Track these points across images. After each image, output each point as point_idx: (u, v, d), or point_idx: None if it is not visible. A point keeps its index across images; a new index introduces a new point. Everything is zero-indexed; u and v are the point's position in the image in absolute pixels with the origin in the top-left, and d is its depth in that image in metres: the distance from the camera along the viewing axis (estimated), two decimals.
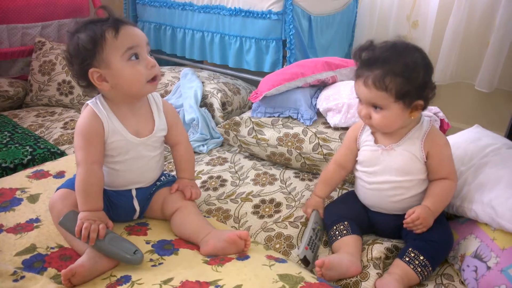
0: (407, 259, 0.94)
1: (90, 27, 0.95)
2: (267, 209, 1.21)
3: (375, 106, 0.98)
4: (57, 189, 1.05)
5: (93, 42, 0.93)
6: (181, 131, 1.14)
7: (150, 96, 1.08)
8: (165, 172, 1.18)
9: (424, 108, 0.98)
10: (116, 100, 1.01)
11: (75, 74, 0.99)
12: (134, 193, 1.07)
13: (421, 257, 0.93)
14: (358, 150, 1.10)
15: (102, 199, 0.98)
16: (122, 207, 1.06)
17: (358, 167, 1.10)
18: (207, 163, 1.46)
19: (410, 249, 0.95)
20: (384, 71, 0.93)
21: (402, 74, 0.93)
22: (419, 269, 0.92)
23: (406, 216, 0.98)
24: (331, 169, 1.16)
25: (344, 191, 1.28)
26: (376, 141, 1.05)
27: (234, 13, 1.85)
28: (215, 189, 1.31)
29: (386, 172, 1.03)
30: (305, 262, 1.00)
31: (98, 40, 0.93)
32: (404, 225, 0.98)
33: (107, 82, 0.97)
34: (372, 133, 1.07)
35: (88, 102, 1.02)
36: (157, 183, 1.12)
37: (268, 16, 1.75)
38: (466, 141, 1.17)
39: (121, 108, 1.02)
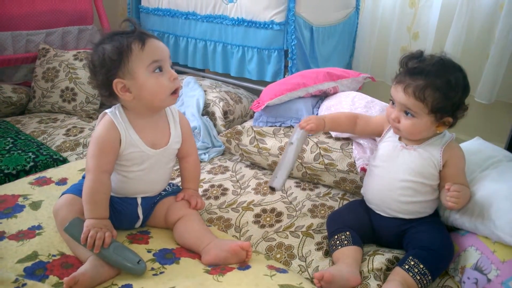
0: (406, 266, 0.95)
1: (116, 38, 0.97)
2: (268, 219, 1.21)
3: (406, 112, 1.02)
4: (62, 194, 1.06)
5: (119, 53, 0.95)
6: (192, 144, 1.16)
7: (168, 108, 1.10)
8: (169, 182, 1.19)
9: (451, 125, 1.03)
10: (136, 111, 1.02)
11: (98, 84, 1.00)
12: (139, 201, 1.08)
13: (421, 266, 0.94)
14: (380, 136, 1.15)
15: (108, 207, 0.99)
16: (125, 214, 1.07)
17: (374, 162, 1.13)
18: (209, 172, 1.47)
19: (410, 257, 0.96)
20: (426, 83, 0.98)
21: (442, 90, 0.98)
22: (418, 277, 0.93)
23: (447, 187, 0.97)
24: (348, 113, 1.23)
25: (345, 202, 1.29)
26: (400, 139, 1.10)
27: (236, 23, 1.87)
28: (216, 197, 1.31)
29: (402, 170, 1.05)
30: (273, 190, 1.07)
31: (124, 51, 0.95)
32: (446, 187, 0.98)
33: (130, 93, 0.98)
34: None
35: (107, 111, 1.02)
36: (162, 192, 1.13)
37: (270, 26, 1.77)
38: (467, 153, 1.17)
39: (139, 119, 1.03)
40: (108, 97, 1.01)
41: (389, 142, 1.11)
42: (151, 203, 1.10)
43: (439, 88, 0.98)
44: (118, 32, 0.99)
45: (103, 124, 1.00)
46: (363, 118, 1.22)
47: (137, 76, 0.96)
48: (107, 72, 0.96)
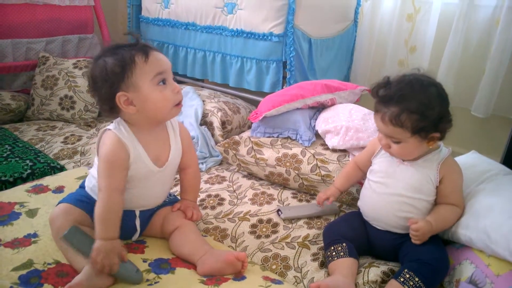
0: (402, 279, 0.95)
1: (118, 51, 0.96)
2: (264, 229, 1.21)
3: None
4: (59, 202, 1.05)
5: (122, 66, 0.94)
6: (193, 155, 1.15)
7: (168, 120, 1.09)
8: None
9: (440, 138, 1.03)
10: (138, 124, 1.01)
11: (101, 97, 0.98)
12: (137, 213, 1.07)
13: (416, 279, 0.94)
14: (372, 159, 1.16)
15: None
16: (123, 226, 1.05)
17: (371, 176, 1.13)
18: (206, 181, 1.47)
19: (405, 270, 0.96)
20: (400, 109, 0.98)
21: (417, 111, 0.97)
22: None
23: (409, 223, 1.01)
24: (350, 166, 1.24)
25: (342, 213, 1.29)
26: None
27: (236, 34, 1.89)
28: (213, 207, 1.31)
29: (400, 186, 1.05)
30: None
31: (128, 64, 0.94)
32: (409, 223, 1.02)
33: (134, 106, 0.97)
34: None
35: (109, 127, 1.01)
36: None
37: (269, 38, 1.79)
38: (463, 167, 1.18)
39: (142, 133, 1.01)
40: (109, 111, 1.00)
41: (384, 158, 1.12)
42: (148, 214, 1.10)
43: (413, 111, 0.97)
44: (120, 45, 0.98)
45: (110, 141, 0.98)
46: (362, 156, 1.21)
47: (141, 89, 0.96)
48: (111, 85, 0.95)
